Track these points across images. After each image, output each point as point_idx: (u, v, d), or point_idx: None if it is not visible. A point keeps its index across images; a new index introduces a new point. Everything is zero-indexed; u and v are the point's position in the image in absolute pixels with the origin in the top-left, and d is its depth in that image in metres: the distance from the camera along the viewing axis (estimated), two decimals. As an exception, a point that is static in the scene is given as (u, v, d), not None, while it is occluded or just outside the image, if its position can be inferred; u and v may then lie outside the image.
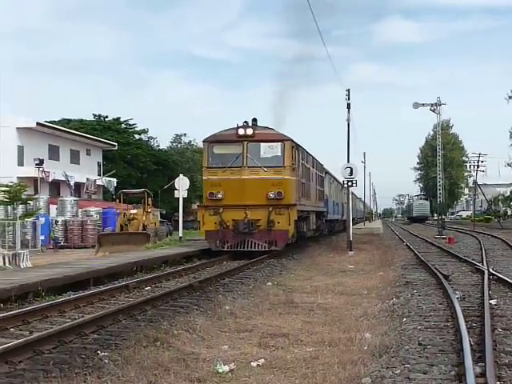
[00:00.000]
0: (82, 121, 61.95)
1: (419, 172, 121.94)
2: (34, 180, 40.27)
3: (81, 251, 29.20)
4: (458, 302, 10.57)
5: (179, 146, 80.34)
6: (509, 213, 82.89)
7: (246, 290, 13.89)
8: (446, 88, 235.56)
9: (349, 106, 29.06)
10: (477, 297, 11.85)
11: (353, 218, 31.50)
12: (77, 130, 53.98)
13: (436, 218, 57.08)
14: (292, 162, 22.48)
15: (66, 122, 59.42)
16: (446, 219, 65.14)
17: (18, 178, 38.26)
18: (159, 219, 37.89)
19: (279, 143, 22.17)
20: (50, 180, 42.82)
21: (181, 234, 29.72)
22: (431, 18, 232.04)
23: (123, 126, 66.18)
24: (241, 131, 21.85)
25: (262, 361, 7.52)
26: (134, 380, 6.73)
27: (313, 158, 29.23)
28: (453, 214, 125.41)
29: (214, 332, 9.18)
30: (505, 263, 19.15)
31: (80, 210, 36.83)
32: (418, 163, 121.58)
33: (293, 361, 7.52)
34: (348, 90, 29.12)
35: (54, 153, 48.47)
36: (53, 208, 37.07)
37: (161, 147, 73.08)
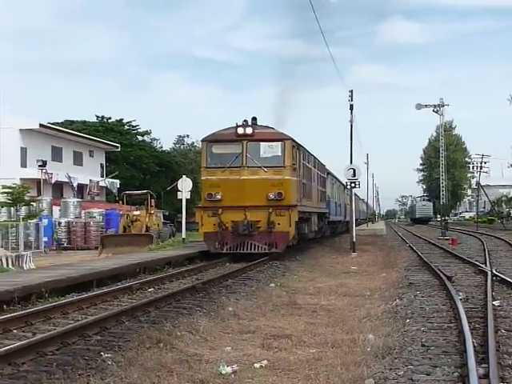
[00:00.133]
0: (84, 122, 61.90)
1: (422, 173, 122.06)
2: (37, 181, 40.26)
3: (84, 253, 29.19)
4: (462, 303, 10.54)
5: (182, 147, 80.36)
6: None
7: (249, 291, 13.86)
8: (448, 89, 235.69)
9: (351, 107, 29.10)
10: (480, 298, 11.82)
11: (356, 220, 31.36)
12: (80, 132, 53.89)
13: (439, 219, 56.96)
14: (293, 161, 21.97)
15: (69, 124, 59.35)
16: (449, 220, 65.09)
17: (20, 179, 38.32)
18: (162, 221, 37.82)
19: (279, 143, 21.66)
20: (52, 181, 42.80)
21: (184, 236, 29.69)
22: (434, 18, 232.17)
23: (126, 127, 66.18)
24: (240, 130, 21.29)
25: (265, 362, 7.51)
26: (137, 381, 6.73)
27: (314, 158, 28.79)
28: (456, 215, 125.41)
29: (217, 333, 9.18)
30: (508, 264, 19.10)
31: (83, 211, 36.92)
32: (420, 164, 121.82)
33: (296, 362, 7.51)
34: (351, 91, 29.15)
35: (56, 154, 48.46)
36: (56, 209, 37.13)
37: (164, 148, 73.21)
